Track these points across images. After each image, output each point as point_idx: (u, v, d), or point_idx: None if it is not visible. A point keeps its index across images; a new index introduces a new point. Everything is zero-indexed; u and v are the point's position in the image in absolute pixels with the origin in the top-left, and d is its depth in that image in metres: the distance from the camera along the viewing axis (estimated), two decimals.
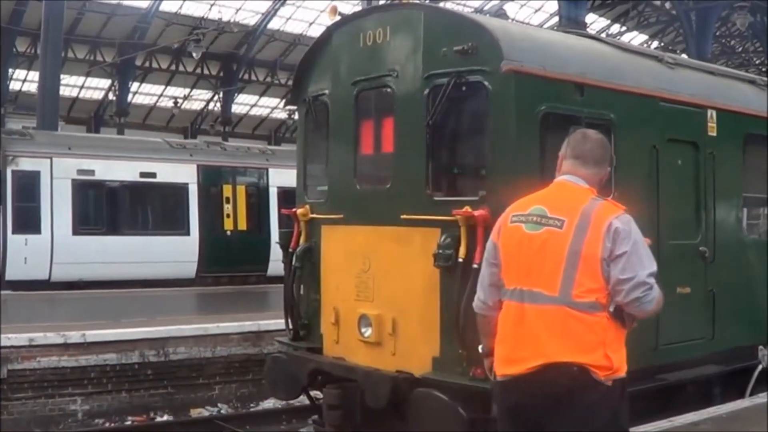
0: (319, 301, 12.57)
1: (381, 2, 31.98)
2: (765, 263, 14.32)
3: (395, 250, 11.22)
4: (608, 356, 6.01)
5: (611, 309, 6.07)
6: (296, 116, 52.53)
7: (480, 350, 6.93)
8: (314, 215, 12.72)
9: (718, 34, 52.45)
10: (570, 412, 5.93)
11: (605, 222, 6.11)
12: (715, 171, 12.95)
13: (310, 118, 13.16)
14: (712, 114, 13.04)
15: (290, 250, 12.96)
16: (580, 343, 5.96)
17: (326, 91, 12.66)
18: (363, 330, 11.51)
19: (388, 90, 11.61)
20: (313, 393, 13.03)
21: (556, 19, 57.47)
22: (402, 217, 11.06)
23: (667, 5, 61.56)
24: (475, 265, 10.08)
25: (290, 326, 13.04)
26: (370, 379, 11.09)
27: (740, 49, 72.77)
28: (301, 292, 12.93)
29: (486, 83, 10.47)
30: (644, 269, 6.06)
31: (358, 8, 23.97)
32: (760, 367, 13.79)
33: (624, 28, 64.15)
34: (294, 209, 12.98)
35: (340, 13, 12.69)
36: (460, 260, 10.25)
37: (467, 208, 10.25)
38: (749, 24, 42.08)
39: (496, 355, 6.32)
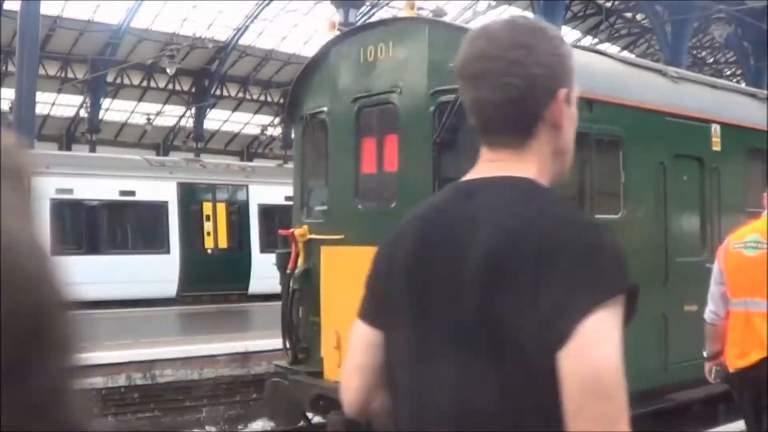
0: (318, 324, 12.24)
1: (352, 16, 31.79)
2: None
3: None
4: None
5: None
6: (269, 131, 52.18)
7: (704, 354, 8.43)
8: (313, 236, 12.41)
9: (689, 45, 52.54)
10: None
11: None
12: (720, 186, 12.77)
13: (307, 137, 12.85)
14: (716, 128, 12.86)
15: (288, 271, 12.66)
16: None
17: (325, 109, 12.36)
18: None
19: (392, 107, 11.34)
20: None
21: None
22: None
23: (639, 17, 61.67)
24: None
25: (288, 349, 12.73)
26: None
27: (711, 60, 72.99)
28: (300, 314, 12.62)
29: None
30: None
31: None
32: None
33: (596, 41, 64.06)
34: (291, 230, 12.68)
35: (339, 28, 12.31)
36: None
37: None
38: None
39: (730, 353, 7.91)
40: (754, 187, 14.11)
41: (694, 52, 66.44)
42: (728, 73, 69.60)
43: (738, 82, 54.55)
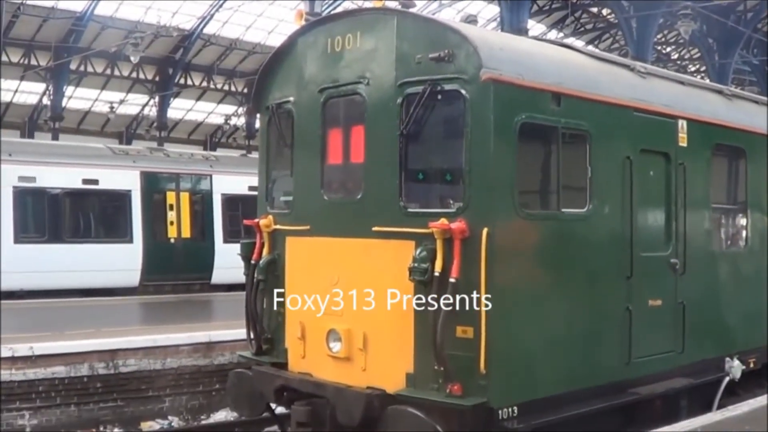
0: (283, 315, 12.19)
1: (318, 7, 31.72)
2: (732, 273, 14.25)
3: (366, 264, 10.89)
4: None
5: None
6: (232, 121, 52.24)
7: None
8: (278, 226, 12.34)
9: (654, 41, 52.92)
10: None
11: None
12: (686, 182, 12.81)
13: (273, 127, 12.75)
14: (682, 124, 12.89)
15: (252, 262, 12.58)
16: None
17: (291, 99, 12.27)
18: (332, 345, 11.18)
19: (359, 98, 11.26)
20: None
21: (492, 26, 57.50)
22: (374, 229, 10.74)
23: (604, 12, 61.91)
24: (452, 279, 9.81)
25: (252, 340, 12.66)
26: (342, 396, 10.75)
27: (676, 56, 73.42)
28: (264, 305, 12.55)
29: (463, 92, 10.17)
30: None
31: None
32: (726, 379, 13.72)
33: (561, 35, 64.23)
34: (256, 220, 12.60)
35: (306, 18, 12.23)
36: (437, 274, 9.93)
37: (443, 221, 9.96)
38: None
39: None
40: (719, 183, 14.21)
41: (659, 47, 66.82)
42: (692, 69, 70.08)
43: (702, 78, 54.92)
